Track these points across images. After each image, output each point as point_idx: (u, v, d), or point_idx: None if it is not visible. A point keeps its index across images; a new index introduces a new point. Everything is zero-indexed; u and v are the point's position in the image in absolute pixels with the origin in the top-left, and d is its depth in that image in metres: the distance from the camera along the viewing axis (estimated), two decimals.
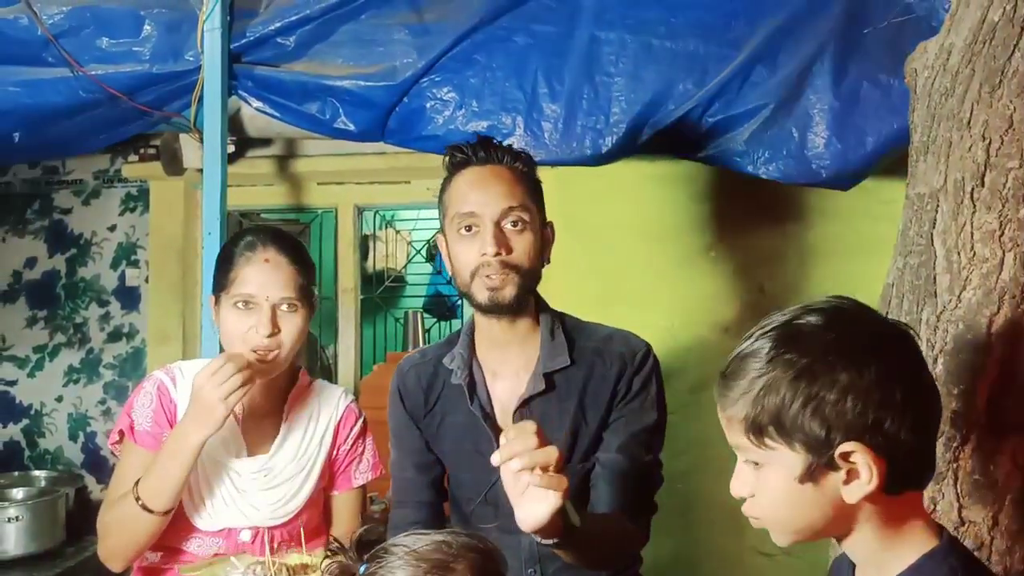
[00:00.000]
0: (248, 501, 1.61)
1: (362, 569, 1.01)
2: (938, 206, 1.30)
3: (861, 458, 0.88)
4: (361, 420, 1.78)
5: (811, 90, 2.03)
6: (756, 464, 0.95)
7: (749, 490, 0.97)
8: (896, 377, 0.88)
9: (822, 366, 0.88)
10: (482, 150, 1.54)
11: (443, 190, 1.59)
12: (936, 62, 1.33)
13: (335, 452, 1.73)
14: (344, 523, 1.73)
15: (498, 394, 1.58)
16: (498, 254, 1.46)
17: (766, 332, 0.93)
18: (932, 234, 1.30)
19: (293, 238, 1.69)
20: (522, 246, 1.48)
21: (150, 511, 1.52)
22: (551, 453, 1.17)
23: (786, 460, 0.91)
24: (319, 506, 1.73)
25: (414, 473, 1.64)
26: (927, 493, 1.28)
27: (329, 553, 1.06)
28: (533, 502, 1.17)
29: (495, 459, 1.19)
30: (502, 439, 1.20)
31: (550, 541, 1.24)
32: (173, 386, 1.66)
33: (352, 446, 1.75)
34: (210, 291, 1.69)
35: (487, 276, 1.47)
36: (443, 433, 1.62)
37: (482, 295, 1.48)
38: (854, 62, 2.01)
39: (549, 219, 1.59)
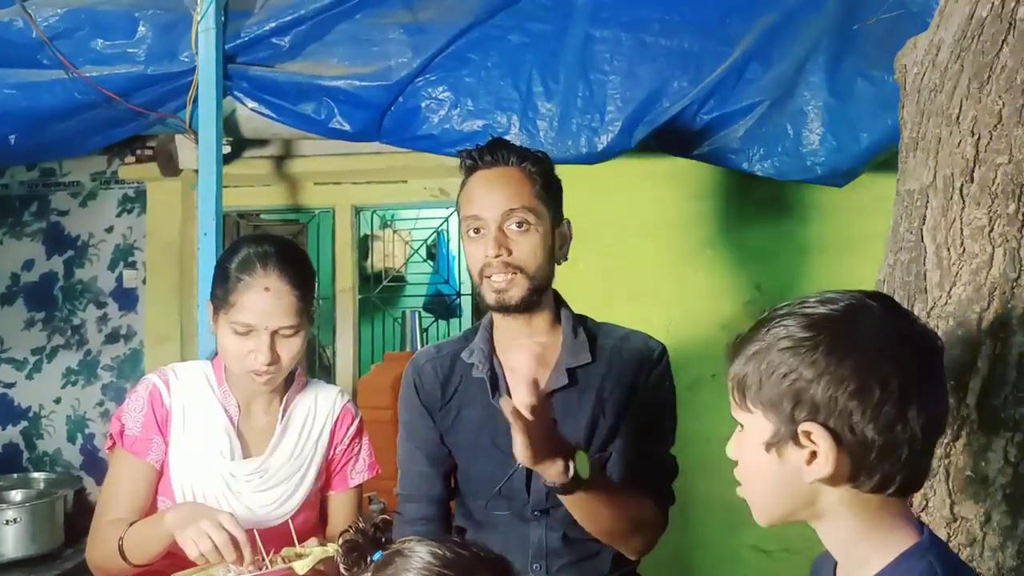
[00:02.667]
0: (243, 503, 1.62)
1: (376, 555, 1.01)
2: (928, 202, 1.30)
3: (821, 441, 0.90)
4: (358, 420, 1.78)
5: (806, 87, 2.03)
6: (741, 427, 0.98)
7: (737, 453, 1.00)
8: (882, 377, 0.88)
9: (811, 344, 0.90)
10: (488, 154, 1.57)
11: (459, 193, 1.62)
12: (925, 58, 1.33)
13: (332, 452, 1.74)
14: (341, 523, 1.73)
15: (518, 389, 1.59)
16: (499, 255, 1.50)
17: (790, 304, 0.96)
18: (922, 230, 1.30)
19: (294, 251, 1.67)
20: (525, 247, 1.52)
21: (127, 561, 1.55)
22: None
23: (759, 425, 0.94)
24: (316, 507, 1.73)
25: (427, 467, 1.64)
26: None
27: (348, 529, 1.07)
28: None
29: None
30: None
31: (554, 484, 1.35)
32: (167, 390, 1.66)
33: (349, 446, 1.75)
34: (207, 294, 1.69)
35: (492, 278, 1.52)
36: (458, 427, 1.63)
37: (490, 296, 1.54)
38: (848, 58, 2.01)
39: (567, 216, 1.62)
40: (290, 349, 1.60)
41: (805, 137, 2.05)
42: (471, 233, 1.55)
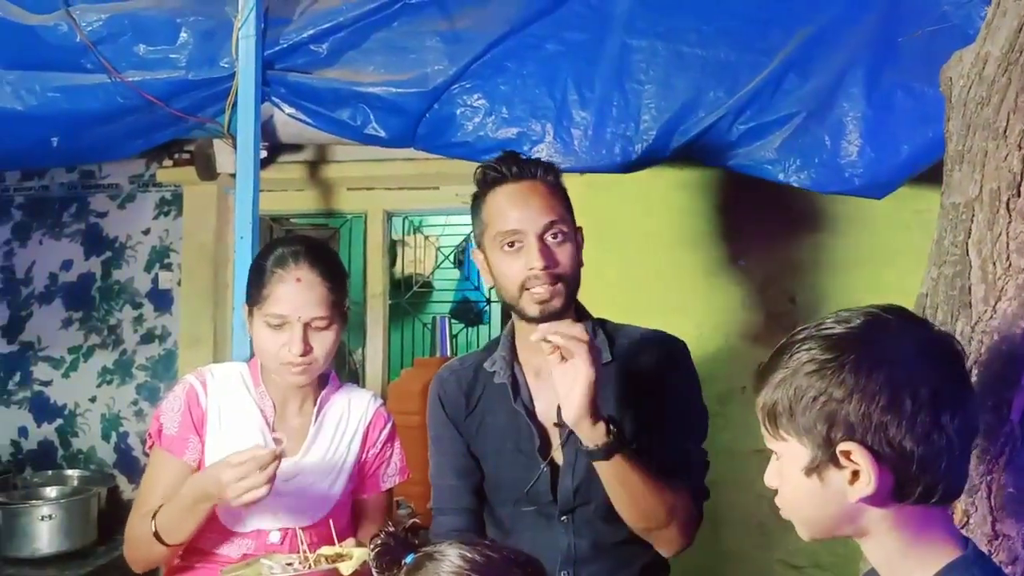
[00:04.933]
0: (278, 503, 1.63)
1: (409, 558, 1.03)
2: (973, 216, 1.29)
3: (861, 459, 0.89)
4: (390, 424, 1.79)
5: (844, 98, 2.01)
6: (777, 455, 0.98)
7: (776, 482, 0.99)
8: (911, 387, 0.88)
9: (836, 364, 0.90)
10: (515, 166, 1.59)
11: (478, 207, 1.63)
12: (972, 71, 1.31)
13: (364, 455, 1.75)
14: (371, 526, 1.74)
15: (540, 393, 1.63)
16: (546, 267, 1.52)
17: (807, 328, 0.96)
18: (967, 244, 1.29)
19: (326, 249, 1.70)
20: (566, 257, 1.55)
21: (164, 543, 1.57)
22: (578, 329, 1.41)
23: (796, 452, 0.94)
24: (348, 509, 1.74)
25: (455, 480, 1.67)
26: (960, 506, 1.26)
27: (380, 532, 1.08)
28: (571, 385, 1.37)
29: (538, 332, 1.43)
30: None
31: (594, 447, 1.40)
32: (204, 391, 1.68)
33: (381, 449, 1.77)
34: (242, 295, 1.72)
35: (534, 290, 1.53)
36: (484, 434, 1.65)
37: (532, 309, 1.54)
38: (888, 70, 1.99)
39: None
40: (323, 343, 1.61)
41: (843, 148, 2.02)
42: (505, 248, 1.55)
